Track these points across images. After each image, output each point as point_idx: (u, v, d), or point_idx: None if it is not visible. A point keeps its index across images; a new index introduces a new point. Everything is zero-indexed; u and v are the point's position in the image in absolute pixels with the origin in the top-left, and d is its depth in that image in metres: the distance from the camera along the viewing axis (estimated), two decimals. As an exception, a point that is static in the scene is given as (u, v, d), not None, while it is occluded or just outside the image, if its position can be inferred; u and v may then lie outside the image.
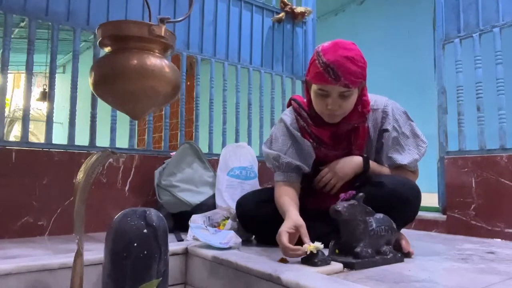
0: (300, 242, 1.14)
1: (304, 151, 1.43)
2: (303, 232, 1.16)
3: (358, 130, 1.39)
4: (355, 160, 1.39)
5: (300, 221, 1.19)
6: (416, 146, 1.38)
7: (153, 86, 0.84)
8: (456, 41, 2.19)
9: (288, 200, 1.33)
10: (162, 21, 0.85)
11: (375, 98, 1.42)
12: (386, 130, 1.37)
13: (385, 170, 1.40)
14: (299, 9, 2.65)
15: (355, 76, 1.23)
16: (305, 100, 1.46)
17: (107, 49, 0.87)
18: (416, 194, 1.30)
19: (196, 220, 1.54)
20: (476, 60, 2.08)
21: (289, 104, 1.53)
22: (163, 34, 0.85)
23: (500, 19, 2.02)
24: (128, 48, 0.84)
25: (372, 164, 1.39)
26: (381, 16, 5.13)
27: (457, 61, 2.17)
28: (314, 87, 1.31)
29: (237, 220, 1.48)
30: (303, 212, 1.39)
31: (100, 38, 0.86)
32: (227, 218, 1.54)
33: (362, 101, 1.35)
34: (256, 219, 1.41)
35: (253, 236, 1.53)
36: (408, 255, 1.24)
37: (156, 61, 0.84)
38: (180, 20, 0.94)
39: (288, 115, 1.48)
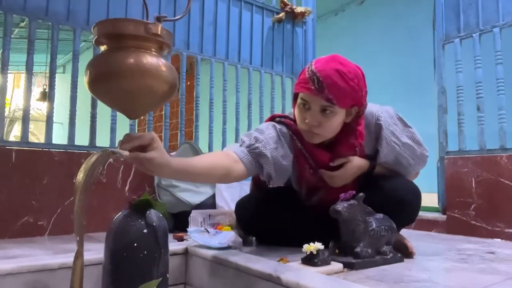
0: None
1: (283, 167, 1.25)
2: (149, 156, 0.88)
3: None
4: (360, 167, 1.29)
5: (160, 154, 0.89)
6: (420, 157, 1.30)
7: (150, 85, 0.82)
8: (456, 41, 2.19)
9: (203, 156, 1.20)
10: (158, 19, 0.84)
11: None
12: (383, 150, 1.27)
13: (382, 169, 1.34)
14: (299, 9, 2.65)
15: (341, 93, 1.13)
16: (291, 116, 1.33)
17: (103, 48, 0.86)
18: (416, 197, 1.28)
19: (196, 217, 1.54)
20: (476, 60, 2.09)
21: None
22: (159, 33, 0.83)
23: (500, 19, 2.02)
24: (124, 47, 0.82)
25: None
26: (381, 16, 5.13)
27: (457, 61, 2.17)
28: (298, 99, 1.22)
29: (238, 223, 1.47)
30: (306, 215, 1.39)
31: (96, 36, 0.84)
32: (230, 225, 1.53)
33: (355, 132, 1.23)
34: (256, 221, 1.39)
35: (254, 238, 1.53)
36: (410, 255, 1.24)
37: (153, 59, 0.82)
38: (177, 19, 0.93)
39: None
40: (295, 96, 1.27)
